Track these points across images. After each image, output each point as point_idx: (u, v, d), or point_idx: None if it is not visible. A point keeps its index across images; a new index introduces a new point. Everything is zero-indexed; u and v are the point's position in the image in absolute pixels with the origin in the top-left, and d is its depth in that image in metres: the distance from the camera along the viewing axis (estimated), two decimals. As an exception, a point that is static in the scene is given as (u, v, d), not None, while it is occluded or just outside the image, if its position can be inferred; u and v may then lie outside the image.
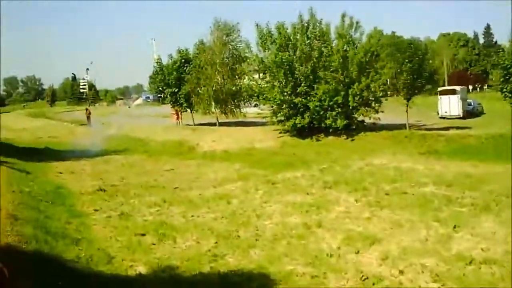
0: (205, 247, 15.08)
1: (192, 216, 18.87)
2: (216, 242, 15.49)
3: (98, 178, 27.67)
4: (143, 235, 16.48)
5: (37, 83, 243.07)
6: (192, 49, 54.10)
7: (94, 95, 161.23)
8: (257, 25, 41.45)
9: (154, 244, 15.57)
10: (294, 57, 39.51)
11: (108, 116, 77.75)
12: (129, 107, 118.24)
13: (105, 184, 25.54)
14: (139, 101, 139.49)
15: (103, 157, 36.22)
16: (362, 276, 12.35)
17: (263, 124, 45.80)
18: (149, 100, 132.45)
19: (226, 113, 51.28)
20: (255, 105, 53.05)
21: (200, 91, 50.44)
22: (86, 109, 70.72)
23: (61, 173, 29.23)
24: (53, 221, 17.13)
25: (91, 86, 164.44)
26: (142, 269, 13.28)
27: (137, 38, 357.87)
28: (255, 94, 43.74)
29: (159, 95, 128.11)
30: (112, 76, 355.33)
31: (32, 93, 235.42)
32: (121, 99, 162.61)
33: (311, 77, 38.98)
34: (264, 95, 41.13)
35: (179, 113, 55.04)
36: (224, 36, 50.96)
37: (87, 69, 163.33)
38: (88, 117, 64.86)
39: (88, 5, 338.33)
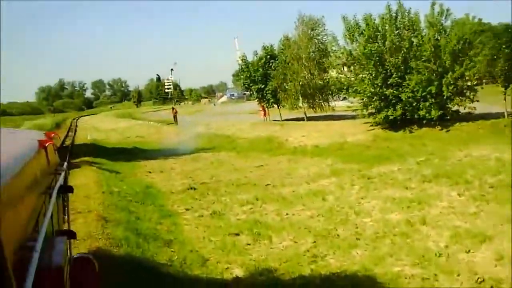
0: (303, 247, 14.29)
1: (287, 214, 18.03)
2: (315, 242, 14.65)
3: (188, 177, 27.16)
4: (237, 234, 15.84)
5: (123, 85, 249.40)
6: (277, 44, 53.31)
7: (179, 95, 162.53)
8: (343, 17, 40.27)
9: (249, 244, 14.88)
10: (384, 48, 37.97)
11: (194, 114, 77.84)
12: (214, 105, 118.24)
13: (195, 183, 25.02)
14: (224, 98, 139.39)
15: (191, 155, 35.77)
16: (478, 278, 11.24)
17: (352, 117, 44.42)
18: (233, 97, 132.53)
19: (314, 108, 50.02)
20: (344, 98, 51.71)
21: (287, 87, 49.38)
22: (173, 108, 70.58)
23: (150, 172, 28.94)
24: (144, 222, 16.68)
25: (176, 86, 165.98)
26: (238, 271, 12.58)
27: (220, 36, 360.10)
28: (344, 87, 42.54)
29: (243, 92, 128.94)
30: (196, 75, 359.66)
31: (119, 94, 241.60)
32: (206, 97, 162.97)
33: (402, 67, 37.20)
34: (354, 88, 39.82)
35: (266, 109, 54.03)
36: (309, 30, 49.72)
37: (172, 69, 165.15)
38: (175, 116, 64.63)
39: (166, 4, 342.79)
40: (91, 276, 4.03)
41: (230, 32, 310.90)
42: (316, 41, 49.83)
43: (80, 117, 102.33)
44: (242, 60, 54.73)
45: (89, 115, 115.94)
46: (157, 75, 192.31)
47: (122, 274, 10.38)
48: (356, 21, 39.82)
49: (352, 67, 41.60)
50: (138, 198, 20.63)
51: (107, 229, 13.86)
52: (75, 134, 55.34)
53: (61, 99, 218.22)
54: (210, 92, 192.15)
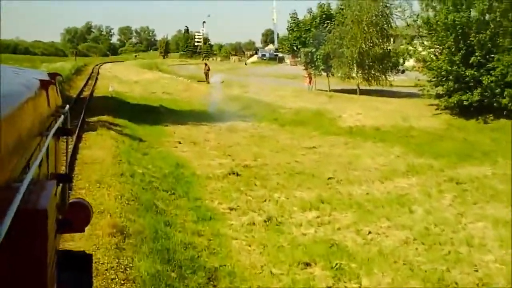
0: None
1: (370, 233, 13.17)
2: (427, 293, 9.86)
3: (226, 154, 22.13)
4: (308, 265, 11.01)
5: (150, 34, 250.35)
6: (336, 4, 47.30)
7: (208, 50, 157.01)
8: (421, -24, 34.07)
9: (330, 288, 10.06)
10: (469, 19, 31.76)
11: (225, 72, 71.43)
12: (245, 64, 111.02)
13: (236, 165, 20.00)
14: (254, 58, 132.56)
15: (226, 123, 30.60)
16: None
17: (409, 95, 39.12)
18: (264, 58, 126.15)
19: (368, 80, 43.37)
20: (402, 72, 44.96)
21: (342, 53, 42.68)
22: (205, 64, 62.01)
23: (180, 143, 23.91)
24: (176, 231, 11.76)
25: (206, 40, 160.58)
26: None
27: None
28: (411, 60, 36.67)
29: (275, 53, 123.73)
30: (224, 31, 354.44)
31: (145, 43, 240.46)
32: (235, 55, 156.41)
33: (488, 45, 31.25)
34: (427, 63, 33.62)
35: (312, 76, 46.99)
36: None
37: (204, 22, 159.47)
38: (206, 74, 57.32)
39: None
40: (82, 221, 3.89)
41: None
42: (381, 3, 43.00)
43: (103, 63, 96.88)
44: (292, 18, 48.39)
45: (112, 62, 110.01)
46: (186, 26, 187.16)
47: None
48: (439, -17, 33.42)
49: (424, 39, 35.26)
50: (167, 185, 15.73)
51: (125, 254, 9.00)
52: (95, 83, 49.57)
53: (86, 43, 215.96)
54: (237, 50, 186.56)
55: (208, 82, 54.46)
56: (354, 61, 41.75)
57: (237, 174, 18.31)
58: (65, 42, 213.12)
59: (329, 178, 18.65)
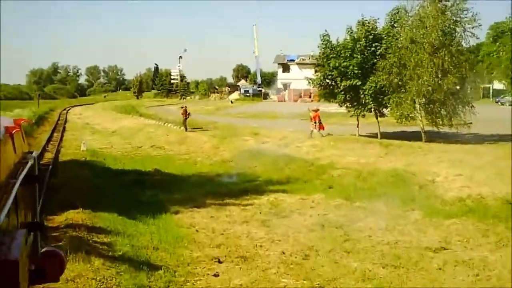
0: None
1: None
2: None
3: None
4: None
5: (119, 73, 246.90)
6: (384, 20, 36.18)
7: (185, 87, 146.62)
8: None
9: None
10: None
11: (214, 114, 60.57)
12: (231, 102, 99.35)
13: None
14: (235, 95, 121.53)
15: (263, 199, 19.98)
16: None
17: (479, 138, 30.48)
18: (248, 94, 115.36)
19: (435, 122, 32.47)
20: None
21: (402, 85, 32.24)
22: (183, 107, 46.38)
23: (219, 261, 12.97)
24: None
25: (182, 77, 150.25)
26: None
27: (218, 28, 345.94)
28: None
29: (259, 89, 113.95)
30: (193, 68, 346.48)
31: (113, 83, 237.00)
32: (216, 92, 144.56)
33: None
34: None
35: (358, 118, 36.30)
36: (439, 2, 31.98)
37: (180, 57, 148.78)
38: (185, 120, 43.17)
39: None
40: (56, 269, 3.72)
41: (229, 23, 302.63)
42: (447, 18, 31.87)
43: (72, 107, 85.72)
44: (323, 40, 36.71)
45: (81, 105, 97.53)
46: (156, 64, 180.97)
47: None
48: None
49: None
50: None
51: None
52: (61, 138, 38.67)
53: (53, 84, 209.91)
54: (209, 86, 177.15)
55: (186, 130, 42.34)
56: (421, 97, 31.24)
57: None
58: (30, 84, 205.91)
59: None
